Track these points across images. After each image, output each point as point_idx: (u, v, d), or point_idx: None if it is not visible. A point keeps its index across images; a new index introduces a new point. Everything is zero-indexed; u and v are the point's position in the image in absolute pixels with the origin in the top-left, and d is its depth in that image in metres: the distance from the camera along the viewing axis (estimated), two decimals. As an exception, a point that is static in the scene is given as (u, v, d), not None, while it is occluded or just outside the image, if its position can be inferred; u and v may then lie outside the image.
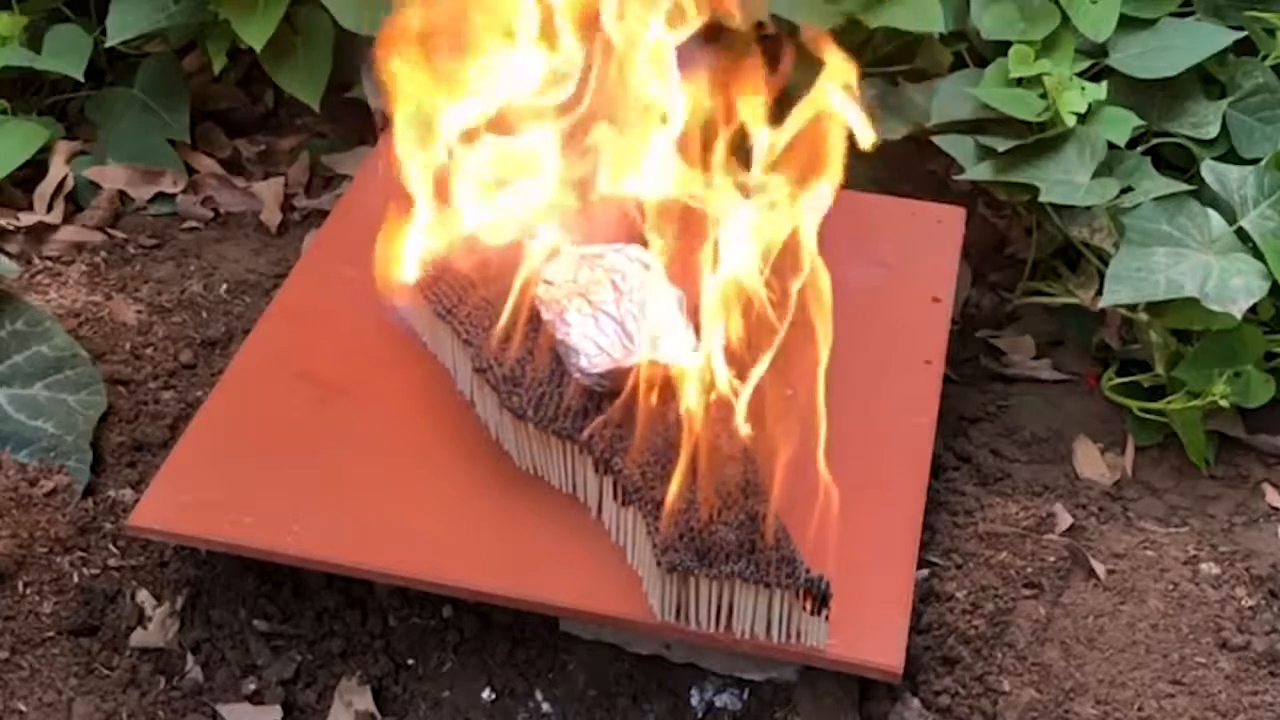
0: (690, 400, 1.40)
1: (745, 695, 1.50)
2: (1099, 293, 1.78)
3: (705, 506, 1.39)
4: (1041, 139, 1.85)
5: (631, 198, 1.64)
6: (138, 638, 1.56)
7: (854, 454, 1.53)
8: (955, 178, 1.95)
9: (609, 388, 1.49)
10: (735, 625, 1.40)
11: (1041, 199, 1.82)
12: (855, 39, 2.02)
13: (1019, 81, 1.89)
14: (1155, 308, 1.75)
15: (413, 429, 1.61)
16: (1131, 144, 1.85)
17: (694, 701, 1.50)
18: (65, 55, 2.09)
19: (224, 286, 1.99)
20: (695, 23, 1.51)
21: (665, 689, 1.51)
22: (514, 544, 1.49)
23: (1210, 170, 1.79)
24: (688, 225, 1.52)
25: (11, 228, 2.05)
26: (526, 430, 1.52)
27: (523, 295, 1.57)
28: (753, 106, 1.42)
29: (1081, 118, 1.85)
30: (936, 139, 1.92)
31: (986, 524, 1.65)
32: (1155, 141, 1.91)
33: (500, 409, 1.54)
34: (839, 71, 1.38)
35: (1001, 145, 1.87)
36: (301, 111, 2.21)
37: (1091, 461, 1.78)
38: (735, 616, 1.40)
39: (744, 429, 1.41)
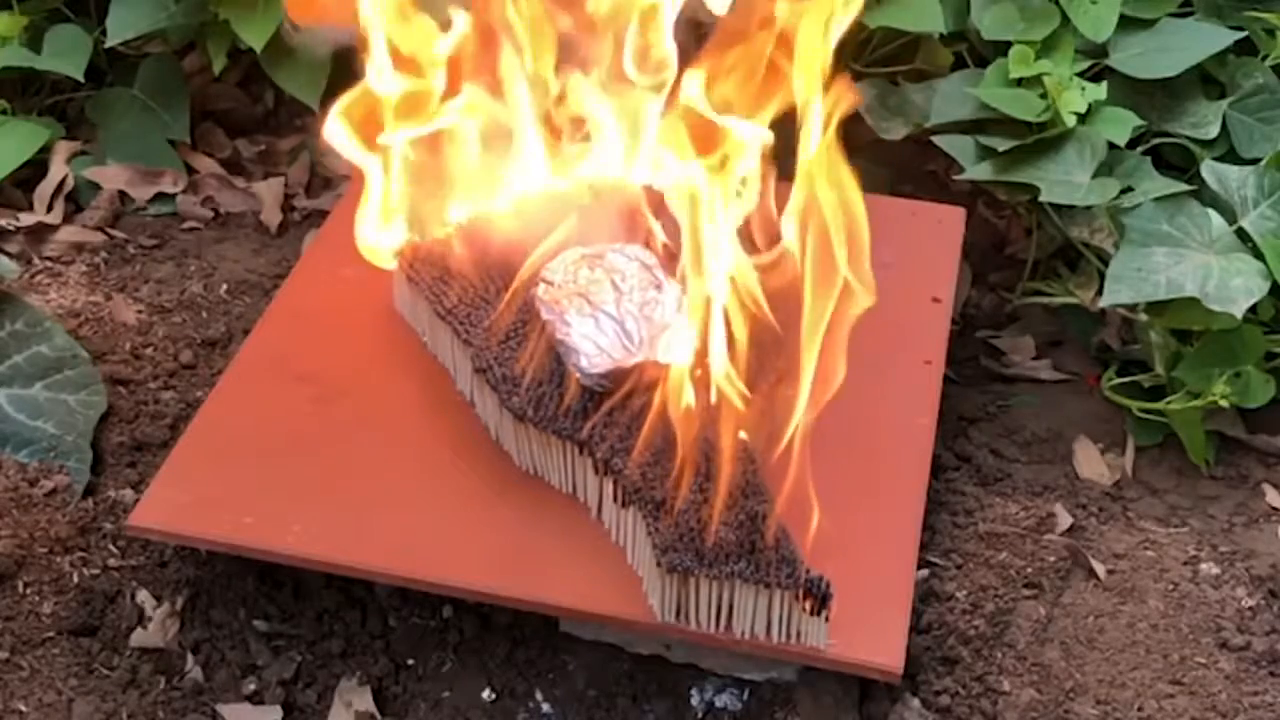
0: (690, 400, 1.40)
1: (745, 695, 1.50)
2: (1099, 293, 1.78)
3: (705, 506, 1.39)
4: (1041, 139, 1.85)
5: (635, 190, 1.64)
6: (138, 638, 1.56)
7: (854, 454, 1.53)
8: (955, 178, 1.95)
9: (609, 388, 1.49)
10: (735, 625, 1.40)
11: (1041, 199, 1.82)
12: (855, 39, 2.03)
13: (1019, 81, 1.89)
14: (1155, 308, 1.75)
15: (413, 429, 1.61)
16: (1131, 144, 1.85)
17: (694, 701, 1.50)
18: (65, 55, 2.09)
19: (224, 286, 1.99)
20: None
21: (665, 689, 1.51)
22: (514, 544, 1.49)
23: (1210, 170, 1.79)
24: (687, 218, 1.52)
25: (11, 228, 2.05)
26: (526, 430, 1.52)
27: (523, 295, 1.57)
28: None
29: (1081, 118, 1.85)
30: (936, 139, 1.92)
31: (986, 524, 1.65)
32: (1155, 141, 1.91)
33: (500, 409, 1.54)
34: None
35: (1001, 145, 1.87)
36: (301, 111, 2.21)
37: (1091, 461, 1.78)
38: (735, 617, 1.40)
39: (743, 431, 1.41)
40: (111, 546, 1.62)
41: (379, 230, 1.70)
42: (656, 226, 1.61)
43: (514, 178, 1.70)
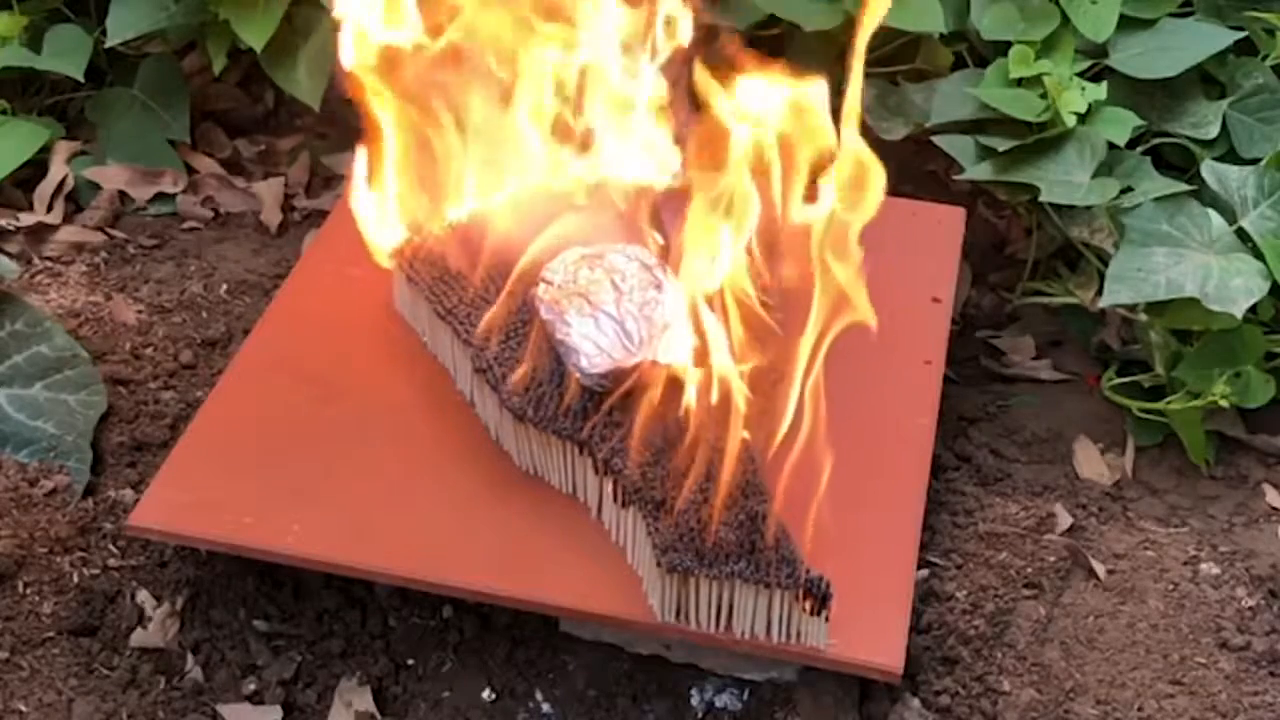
0: (691, 400, 1.40)
1: (745, 695, 1.50)
2: (1099, 293, 1.78)
3: (705, 506, 1.39)
4: (1041, 139, 1.85)
5: (635, 189, 1.64)
6: (138, 638, 1.56)
7: (854, 455, 1.53)
8: (955, 178, 1.95)
9: (609, 388, 1.49)
10: (735, 625, 1.40)
11: (1041, 199, 1.82)
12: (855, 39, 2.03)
13: (1019, 81, 1.89)
14: (1155, 308, 1.75)
15: (413, 429, 1.61)
16: (1131, 144, 1.85)
17: (694, 701, 1.50)
18: (65, 55, 2.09)
19: (224, 286, 1.99)
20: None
21: (665, 689, 1.51)
22: (514, 544, 1.49)
23: (1210, 170, 1.79)
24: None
25: (11, 228, 2.05)
26: (526, 430, 1.52)
27: (519, 293, 1.57)
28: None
29: (1081, 118, 1.85)
30: (936, 139, 1.92)
31: (986, 524, 1.65)
32: (1155, 141, 1.91)
33: (500, 409, 1.54)
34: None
35: (1001, 145, 1.87)
36: (301, 111, 2.21)
37: (1091, 461, 1.78)
38: (735, 617, 1.40)
39: (744, 430, 1.41)
40: (111, 546, 1.62)
41: (378, 203, 1.69)
42: (652, 231, 1.60)
43: (513, 173, 1.70)
